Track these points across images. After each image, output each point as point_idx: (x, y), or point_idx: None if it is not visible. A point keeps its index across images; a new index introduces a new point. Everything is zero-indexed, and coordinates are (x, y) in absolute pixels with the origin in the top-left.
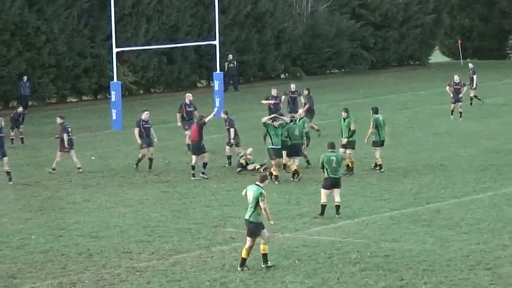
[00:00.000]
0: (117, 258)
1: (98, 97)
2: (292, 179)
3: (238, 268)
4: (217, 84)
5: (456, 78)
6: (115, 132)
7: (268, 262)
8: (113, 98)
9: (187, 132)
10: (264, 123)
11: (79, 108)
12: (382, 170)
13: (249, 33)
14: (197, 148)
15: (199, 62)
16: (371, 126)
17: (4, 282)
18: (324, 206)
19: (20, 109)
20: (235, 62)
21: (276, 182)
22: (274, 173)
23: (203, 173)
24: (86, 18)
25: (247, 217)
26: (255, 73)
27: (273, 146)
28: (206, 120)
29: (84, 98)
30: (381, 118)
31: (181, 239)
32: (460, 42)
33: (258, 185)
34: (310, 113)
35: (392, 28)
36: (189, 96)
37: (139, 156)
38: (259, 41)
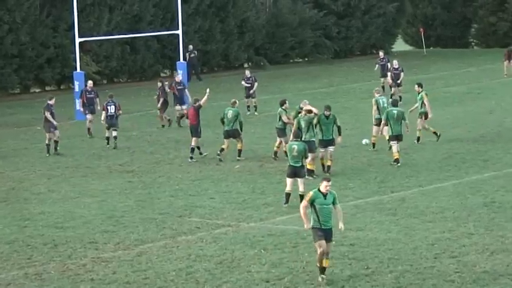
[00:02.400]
0: (82, 248)
1: (61, 87)
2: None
3: (319, 280)
4: (180, 74)
5: (395, 63)
6: (79, 122)
7: (324, 275)
8: (76, 88)
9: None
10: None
11: (42, 99)
12: (398, 164)
13: (212, 23)
14: (195, 131)
15: (163, 52)
16: (383, 119)
17: None
18: (287, 194)
19: None
20: (195, 52)
21: (314, 177)
22: (310, 167)
23: (200, 153)
24: (48, 8)
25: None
26: (219, 62)
27: (324, 138)
28: (201, 102)
29: (47, 88)
30: (394, 111)
31: (146, 229)
32: (422, 30)
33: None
34: (164, 105)
35: (355, 17)
36: (178, 77)
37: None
38: (222, 30)
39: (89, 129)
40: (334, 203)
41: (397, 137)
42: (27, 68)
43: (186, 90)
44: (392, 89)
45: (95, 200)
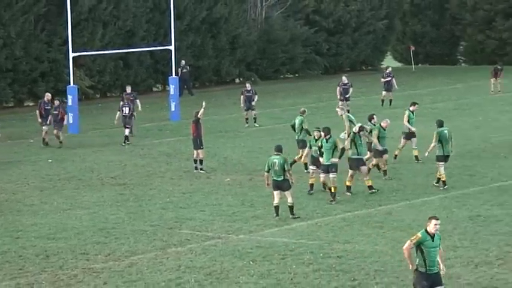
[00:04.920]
0: (74, 259)
1: (55, 100)
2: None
3: None
4: (172, 89)
5: (344, 79)
6: (72, 135)
7: None
8: (70, 102)
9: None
10: (354, 133)
11: (36, 112)
12: (445, 186)
13: (204, 39)
14: (195, 143)
15: (155, 67)
16: (434, 139)
17: None
18: (276, 208)
19: None
20: (188, 67)
21: (351, 193)
22: (349, 183)
23: (201, 168)
24: (42, 23)
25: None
26: (210, 78)
27: (358, 156)
28: (199, 115)
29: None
30: (445, 131)
31: (137, 241)
32: (411, 47)
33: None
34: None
35: (346, 34)
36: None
37: None
38: (214, 46)
39: (43, 139)
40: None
41: (446, 157)
42: (21, 82)
43: (136, 100)
44: (384, 101)
45: (86, 212)
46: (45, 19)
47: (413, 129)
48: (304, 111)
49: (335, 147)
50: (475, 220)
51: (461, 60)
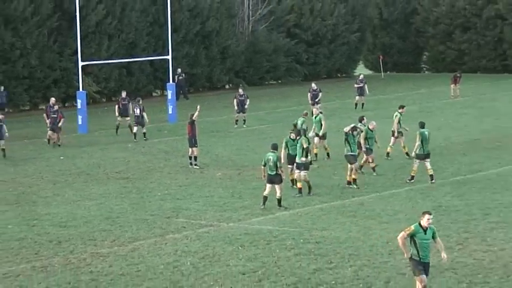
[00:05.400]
0: (83, 245)
1: (66, 105)
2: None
3: None
4: (170, 94)
5: (313, 85)
6: (81, 135)
7: None
8: (79, 106)
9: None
10: (346, 133)
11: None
12: (412, 180)
13: (198, 49)
14: (190, 142)
15: (155, 74)
16: (417, 139)
17: None
18: (264, 197)
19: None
20: (183, 75)
21: (355, 186)
22: (354, 177)
23: (195, 164)
24: (55, 35)
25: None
26: (203, 84)
27: (351, 153)
28: (194, 117)
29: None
30: (426, 132)
31: (139, 228)
32: (381, 57)
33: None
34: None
35: (323, 45)
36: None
37: None
38: (206, 56)
39: (48, 139)
40: (433, 237)
41: (426, 155)
42: (36, 87)
43: (129, 104)
44: (357, 105)
45: (94, 203)
46: (57, 32)
47: (407, 128)
48: (307, 113)
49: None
50: (437, 210)
51: (424, 69)
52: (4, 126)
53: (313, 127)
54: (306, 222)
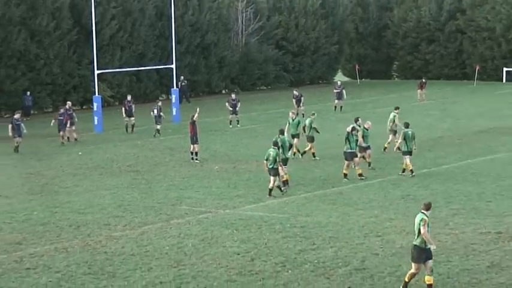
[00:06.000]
0: (98, 229)
1: (84, 107)
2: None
3: None
4: (174, 98)
5: (295, 92)
6: (96, 134)
7: None
8: (95, 108)
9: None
10: (348, 132)
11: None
12: (413, 174)
13: (198, 59)
14: (192, 139)
15: (161, 81)
16: (400, 138)
17: (13, 247)
18: (269, 189)
19: (17, 115)
20: (186, 81)
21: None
22: (346, 172)
23: (196, 158)
24: (74, 47)
25: (414, 242)
26: (203, 89)
27: (350, 150)
28: (194, 118)
29: (73, 108)
30: (409, 132)
31: (147, 214)
32: (357, 66)
33: (423, 212)
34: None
35: (306, 56)
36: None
37: None
38: (206, 65)
39: (68, 137)
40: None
41: (410, 152)
42: (58, 92)
43: (133, 106)
44: (336, 107)
45: (108, 192)
46: (76, 44)
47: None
48: (314, 113)
49: (290, 145)
50: (406, 198)
51: (394, 76)
52: (22, 124)
53: (287, 128)
54: (292, 209)
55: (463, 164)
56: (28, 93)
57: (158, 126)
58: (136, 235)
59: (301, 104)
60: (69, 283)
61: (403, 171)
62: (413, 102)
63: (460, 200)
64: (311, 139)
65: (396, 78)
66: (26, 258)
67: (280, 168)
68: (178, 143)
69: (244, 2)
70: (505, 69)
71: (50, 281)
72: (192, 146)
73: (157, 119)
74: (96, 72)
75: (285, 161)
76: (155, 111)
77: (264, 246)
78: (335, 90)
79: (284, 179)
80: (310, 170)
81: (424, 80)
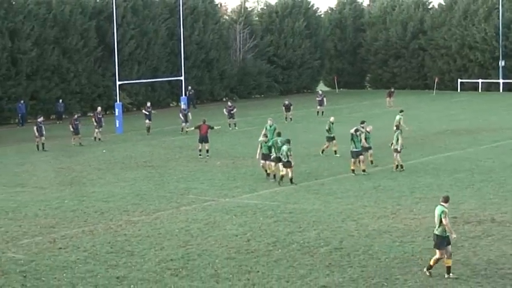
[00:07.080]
0: (119, 214)
1: (107, 112)
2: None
3: (425, 270)
4: (183, 105)
5: (285, 101)
6: (118, 135)
7: (451, 274)
8: (116, 113)
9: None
10: (352, 133)
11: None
12: (403, 169)
13: (203, 72)
14: (205, 139)
15: (171, 90)
16: (394, 139)
17: (47, 230)
18: (281, 176)
19: (41, 118)
20: (193, 91)
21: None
22: (353, 168)
23: (207, 155)
24: (99, 62)
25: (435, 231)
26: (207, 97)
27: (355, 149)
28: (211, 126)
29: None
30: (396, 134)
31: (160, 202)
32: (336, 78)
33: (442, 204)
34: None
35: (294, 69)
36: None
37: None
38: (209, 77)
39: (95, 137)
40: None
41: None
42: (86, 100)
43: (152, 111)
44: (319, 113)
45: (127, 184)
46: (101, 60)
47: (407, 128)
48: (332, 118)
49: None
50: (377, 189)
51: (367, 86)
52: (43, 126)
53: (263, 133)
54: (282, 198)
55: (424, 160)
56: (60, 100)
57: (187, 125)
58: (151, 220)
59: (290, 111)
60: (94, 260)
61: (397, 167)
62: (383, 109)
63: (422, 190)
64: (330, 139)
65: (369, 88)
66: (58, 239)
67: (273, 164)
68: (186, 142)
69: (242, 24)
70: (459, 80)
71: (78, 259)
72: (200, 144)
73: (186, 118)
74: (118, 83)
75: (277, 159)
76: (184, 111)
77: (258, 229)
78: (317, 98)
79: (275, 173)
80: (297, 165)
81: (392, 90)
